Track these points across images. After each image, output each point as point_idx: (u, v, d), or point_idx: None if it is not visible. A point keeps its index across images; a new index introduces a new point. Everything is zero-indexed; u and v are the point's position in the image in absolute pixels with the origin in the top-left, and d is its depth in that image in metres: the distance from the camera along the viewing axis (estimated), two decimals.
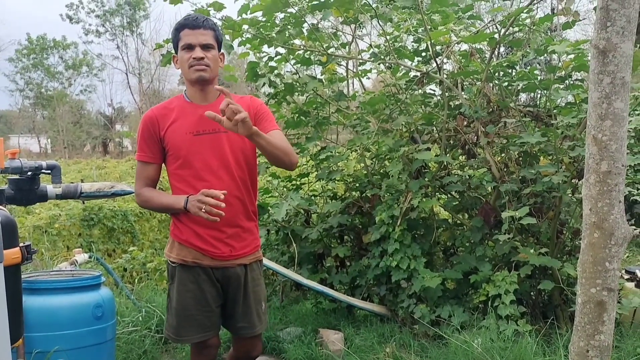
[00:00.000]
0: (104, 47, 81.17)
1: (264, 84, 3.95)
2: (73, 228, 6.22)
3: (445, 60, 3.89)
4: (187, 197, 2.15)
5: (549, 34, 4.29)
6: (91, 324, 2.61)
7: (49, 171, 2.92)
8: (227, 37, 3.74)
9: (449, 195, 4.08)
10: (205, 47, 2.21)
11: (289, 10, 3.63)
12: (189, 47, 2.20)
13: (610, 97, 1.67)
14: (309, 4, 3.57)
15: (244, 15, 3.61)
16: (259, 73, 3.99)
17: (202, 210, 2.07)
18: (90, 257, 3.63)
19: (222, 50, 2.33)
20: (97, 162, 23.03)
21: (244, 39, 3.80)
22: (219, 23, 3.59)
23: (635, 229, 1.74)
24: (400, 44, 4.02)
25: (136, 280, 4.69)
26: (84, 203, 6.23)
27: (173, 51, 2.35)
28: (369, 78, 4.82)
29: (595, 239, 1.72)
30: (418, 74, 3.84)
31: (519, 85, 3.85)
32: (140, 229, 7.21)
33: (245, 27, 3.67)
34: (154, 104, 3.16)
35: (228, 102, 1.93)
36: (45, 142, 44.08)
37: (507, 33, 3.56)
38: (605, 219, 1.70)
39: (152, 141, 2.24)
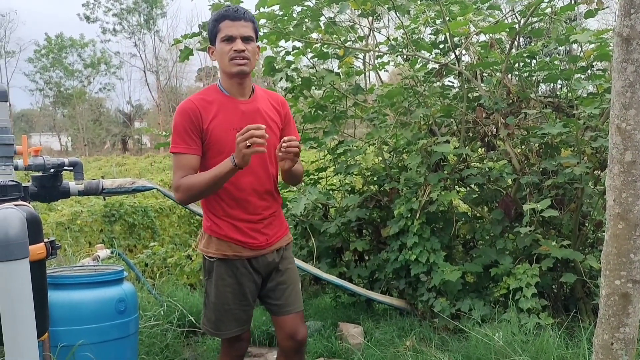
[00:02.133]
0: (121, 45, 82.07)
1: (281, 78, 3.94)
2: (95, 224, 6.29)
3: (464, 52, 3.85)
4: (232, 155, 2.04)
5: (570, 23, 4.22)
6: (114, 318, 2.64)
7: (71, 168, 2.95)
8: None
9: (468, 188, 4.05)
10: (246, 39, 2.16)
11: (306, 3, 3.62)
12: (230, 39, 2.15)
13: (635, 85, 1.63)
14: None
15: (261, 9, 3.61)
16: (276, 67, 3.99)
17: (249, 147, 1.98)
18: (112, 253, 3.68)
19: (258, 43, 2.27)
20: (117, 159, 23.30)
21: (261, 33, 3.81)
22: None
23: None
24: (418, 35, 3.99)
25: (157, 275, 4.74)
26: (105, 199, 6.30)
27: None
28: (386, 71, 4.79)
29: (619, 230, 1.69)
30: (436, 65, 3.81)
31: (539, 75, 3.79)
32: (161, 224, 7.26)
33: (263, 21, 3.67)
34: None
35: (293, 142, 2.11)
36: (65, 140, 44.75)
37: (527, 23, 3.51)
38: (629, 210, 1.67)
39: (196, 132, 2.16)
